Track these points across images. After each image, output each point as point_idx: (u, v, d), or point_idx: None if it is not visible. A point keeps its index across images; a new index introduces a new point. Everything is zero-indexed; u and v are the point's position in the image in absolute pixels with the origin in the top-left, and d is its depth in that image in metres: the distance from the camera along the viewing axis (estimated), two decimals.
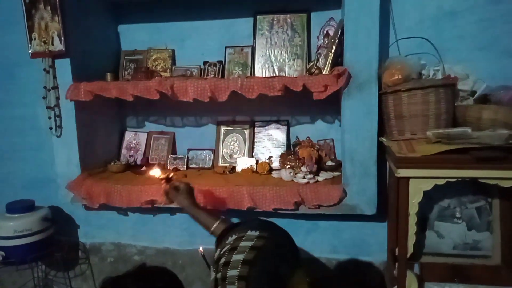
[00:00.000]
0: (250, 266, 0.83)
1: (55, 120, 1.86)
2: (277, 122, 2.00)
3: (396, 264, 1.41)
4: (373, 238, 1.80)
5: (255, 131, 2.03)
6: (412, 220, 1.32)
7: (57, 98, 1.84)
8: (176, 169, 2.01)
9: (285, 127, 1.98)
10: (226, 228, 1.08)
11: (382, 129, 1.60)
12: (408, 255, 1.35)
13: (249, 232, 0.91)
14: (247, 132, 2.03)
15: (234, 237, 0.92)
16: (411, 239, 1.33)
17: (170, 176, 1.50)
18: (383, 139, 1.57)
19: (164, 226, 2.01)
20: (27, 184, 2.16)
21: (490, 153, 1.20)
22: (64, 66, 1.82)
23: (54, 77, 1.82)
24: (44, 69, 1.81)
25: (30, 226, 1.86)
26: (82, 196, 1.83)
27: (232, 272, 0.83)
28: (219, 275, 0.86)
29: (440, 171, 1.26)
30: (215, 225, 1.28)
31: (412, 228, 1.33)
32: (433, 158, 1.25)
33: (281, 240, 0.93)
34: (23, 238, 1.84)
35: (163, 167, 1.67)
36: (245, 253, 0.85)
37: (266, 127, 2.01)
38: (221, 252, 0.90)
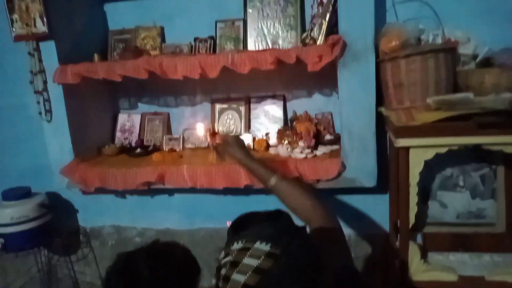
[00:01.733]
0: None
1: (44, 105, 1.80)
2: (273, 97, 1.94)
3: (398, 235, 1.38)
4: (375, 211, 1.77)
5: (251, 107, 1.97)
6: (414, 190, 1.28)
7: (45, 82, 1.78)
8: (172, 150, 1.98)
9: (282, 102, 1.92)
10: (235, 224, 0.90)
11: (380, 99, 1.54)
12: (410, 226, 1.32)
13: (257, 245, 0.74)
14: (242, 109, 1.97)
15: (240, 245, 0.76)
16: (413, 210, 1.30)
17: (215, 131, 1.43)
18: (381, 109, 1.52)
19: (162, 207, 2.00)
20: (22, 173, 2.13)
21: (493, 119, 1.14)
22: (49, 49, 1.75)
23: (40, 60, 1.76)
24: (29, 53, 1.74)
25: (27, 213, 1.85)
26: (76, 181, 1.80)
27: None
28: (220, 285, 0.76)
29: (441, 139, 1.22)
30: (274, 182, 1.22)
31: (413, 199, 1.29)
32: (434, 126, 1.20)
33: (296, 261, 0.72)
34: (21, 224, 1.83)
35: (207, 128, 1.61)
36: (247, 275, 0.70)
37: (262, 103, 1.95)
38: (223, 261, 0.76)
